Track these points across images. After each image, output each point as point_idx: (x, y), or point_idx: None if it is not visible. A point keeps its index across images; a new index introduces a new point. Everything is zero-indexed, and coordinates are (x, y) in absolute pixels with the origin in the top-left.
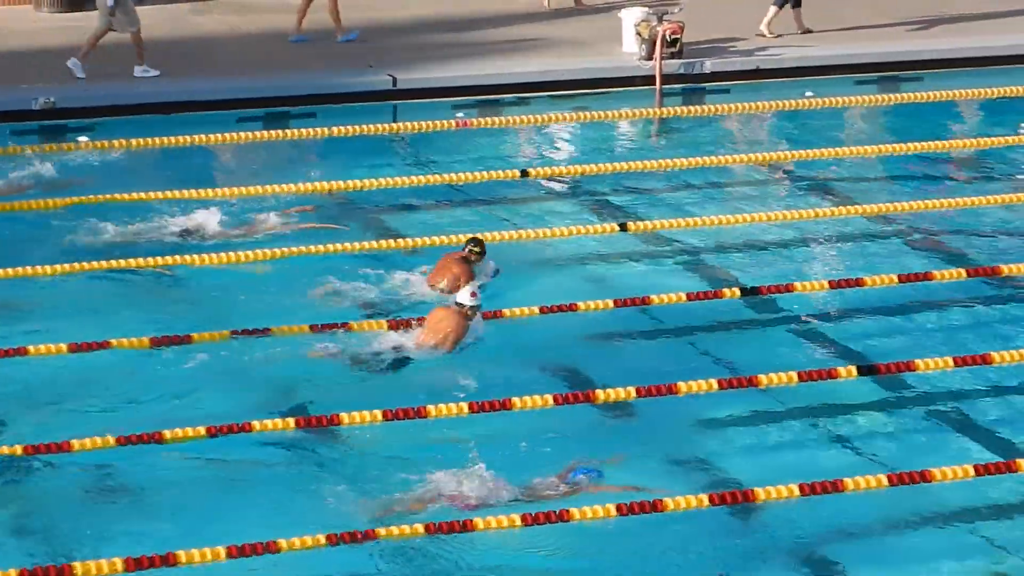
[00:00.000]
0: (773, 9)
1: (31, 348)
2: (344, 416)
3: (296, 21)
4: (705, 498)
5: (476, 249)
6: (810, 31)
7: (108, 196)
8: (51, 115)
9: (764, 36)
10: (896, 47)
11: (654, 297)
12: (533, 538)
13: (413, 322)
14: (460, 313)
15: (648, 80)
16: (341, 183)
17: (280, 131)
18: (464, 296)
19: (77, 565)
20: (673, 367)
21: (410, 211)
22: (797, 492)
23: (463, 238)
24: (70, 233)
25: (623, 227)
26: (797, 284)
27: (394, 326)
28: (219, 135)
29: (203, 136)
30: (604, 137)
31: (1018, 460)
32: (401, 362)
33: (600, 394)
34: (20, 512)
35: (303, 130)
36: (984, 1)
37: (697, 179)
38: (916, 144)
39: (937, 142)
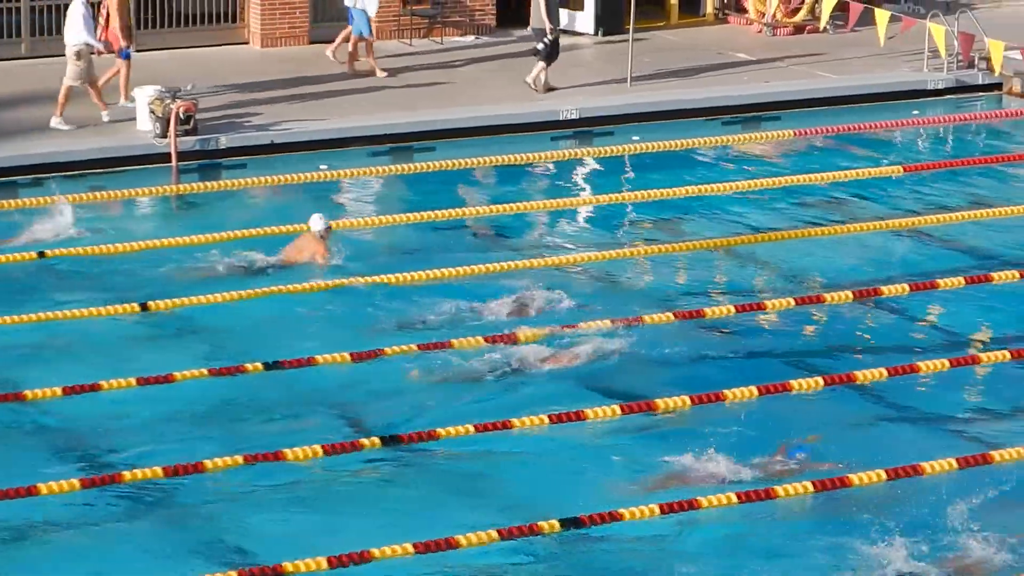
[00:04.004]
0: (541, 64)
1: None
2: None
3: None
4: None
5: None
6: (554, 88)
7: None
8: None
9: (532, 88)
10: (408, 118)
11: (176, 374)
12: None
13: None
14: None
15: (164, 157)
16: None
17: None
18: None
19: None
20: (199, 444)
21: None
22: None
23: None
24: None
25: (144, 307)
26: (319, 357)
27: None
28: None
29: None
30: (121, 216)
31: (539, 523)
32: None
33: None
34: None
35: None
36: (494, 75)
37: (217, 255)
38: (432, 212)
39: (453, 210)
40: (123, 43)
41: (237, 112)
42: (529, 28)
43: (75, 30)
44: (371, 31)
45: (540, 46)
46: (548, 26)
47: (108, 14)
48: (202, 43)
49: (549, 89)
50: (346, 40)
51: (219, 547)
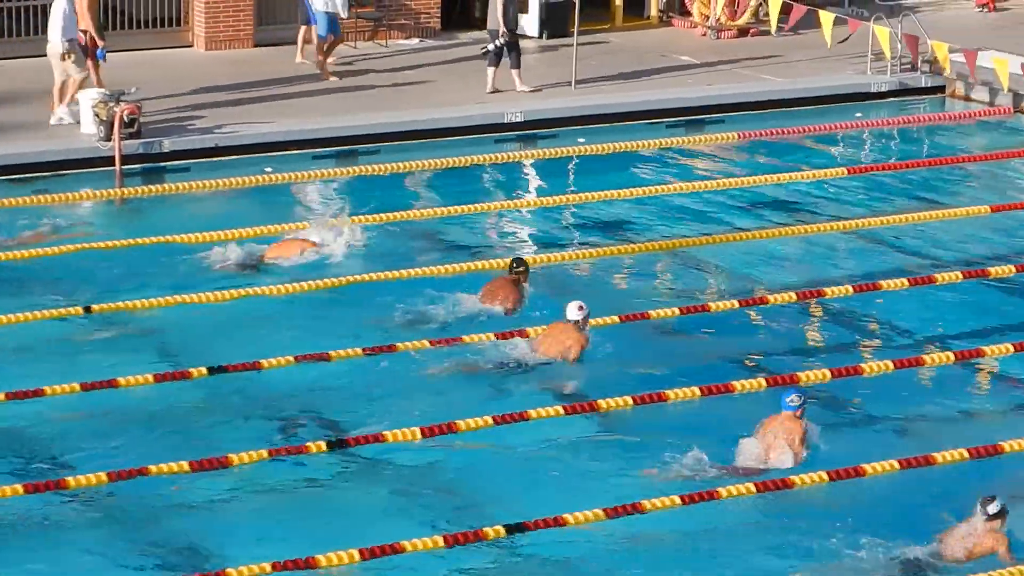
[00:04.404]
0: (516, 72)
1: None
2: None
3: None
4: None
5: (520, 268)
6: (499, 91)
7: None
8: None
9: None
10: (353, 121)
11: (120, 379)
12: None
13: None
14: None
15: (108, 161)
16: None
17: None
18: (573, 312)
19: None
20: (144, 450)
21: None
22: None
23: None
24: None
25: (87, 309)
26: (264, 361)
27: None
28: None
29: None
30: (67, 219)
31: (485, 528)
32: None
33: None
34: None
35: None
36: (439, 78)
37: (161, 258)
38: (377, 216)
39: (398, 212)
40: (100, 43)
41: (181, 115)
42: (486, 29)
43: (56, 29)
44: (327, 34)
45: (491, 47)
46: (501, 28)
47: (78, 15)
48: (146, 46)
49: (495, 91)
50: (308, 42)
51: (164, 553)
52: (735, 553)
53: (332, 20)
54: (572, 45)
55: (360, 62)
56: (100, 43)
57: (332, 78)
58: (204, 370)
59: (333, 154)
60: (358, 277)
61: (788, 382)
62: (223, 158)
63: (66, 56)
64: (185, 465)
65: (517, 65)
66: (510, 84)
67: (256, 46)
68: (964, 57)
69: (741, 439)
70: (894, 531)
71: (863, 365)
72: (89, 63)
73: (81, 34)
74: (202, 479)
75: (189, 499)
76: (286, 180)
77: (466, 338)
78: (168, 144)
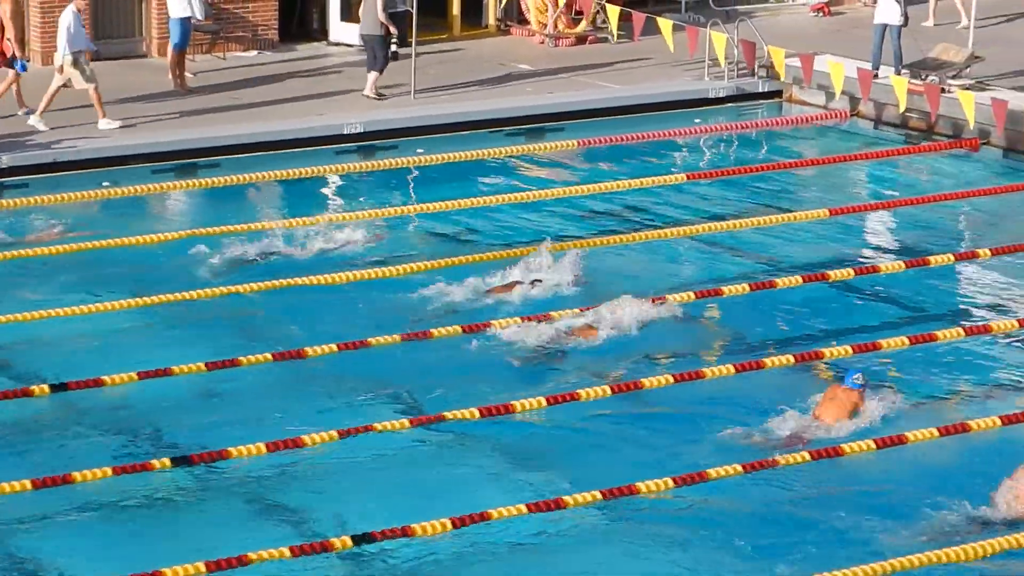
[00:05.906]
0: (374, 74)
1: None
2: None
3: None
4: None
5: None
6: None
7: None
8: None
9: (372, 99)
10: (193, 135)
11: None
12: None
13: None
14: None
15: None
16: None
17: None
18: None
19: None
20: None
21: None
22: None
23: None
24: None
25: None
26: (106, 378)
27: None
28: None
29: None
30: None
31: (331, 539)
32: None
33: None
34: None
35: None
36: (278, 90)
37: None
38: (216, 228)
39: (238, 225)
40: (19, 54)
41: (19, 131)
42: (359, 35)
43: (65, 39)
44: (182, 44)
45: (391, 51)
46: (394, 31)
47: (2, 25)
48: None
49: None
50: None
51: (6, 573)
52: (584, 560)
53: (187, 29)
54: (411, 55)
55: (198, 75)
56: (20, 55)
57: (181, 87)
58: (46, 387)
59: (173, 168)
60: (196, 293)
61: (632, 388)
62: (62, 173)
63: (73, 66)
64: (28, 484)
65: (374, 69)
66: (348, 94)
67: (93, 60)
68: (800, 62)
69: None
70: (732, 538)
71: (704, 370)
72: (12, 73)
73: (7, 43)
74: (45, 497)
75: (33, 518)
76: (125, 194)
77: (307, 350)
78: (6, 160)
